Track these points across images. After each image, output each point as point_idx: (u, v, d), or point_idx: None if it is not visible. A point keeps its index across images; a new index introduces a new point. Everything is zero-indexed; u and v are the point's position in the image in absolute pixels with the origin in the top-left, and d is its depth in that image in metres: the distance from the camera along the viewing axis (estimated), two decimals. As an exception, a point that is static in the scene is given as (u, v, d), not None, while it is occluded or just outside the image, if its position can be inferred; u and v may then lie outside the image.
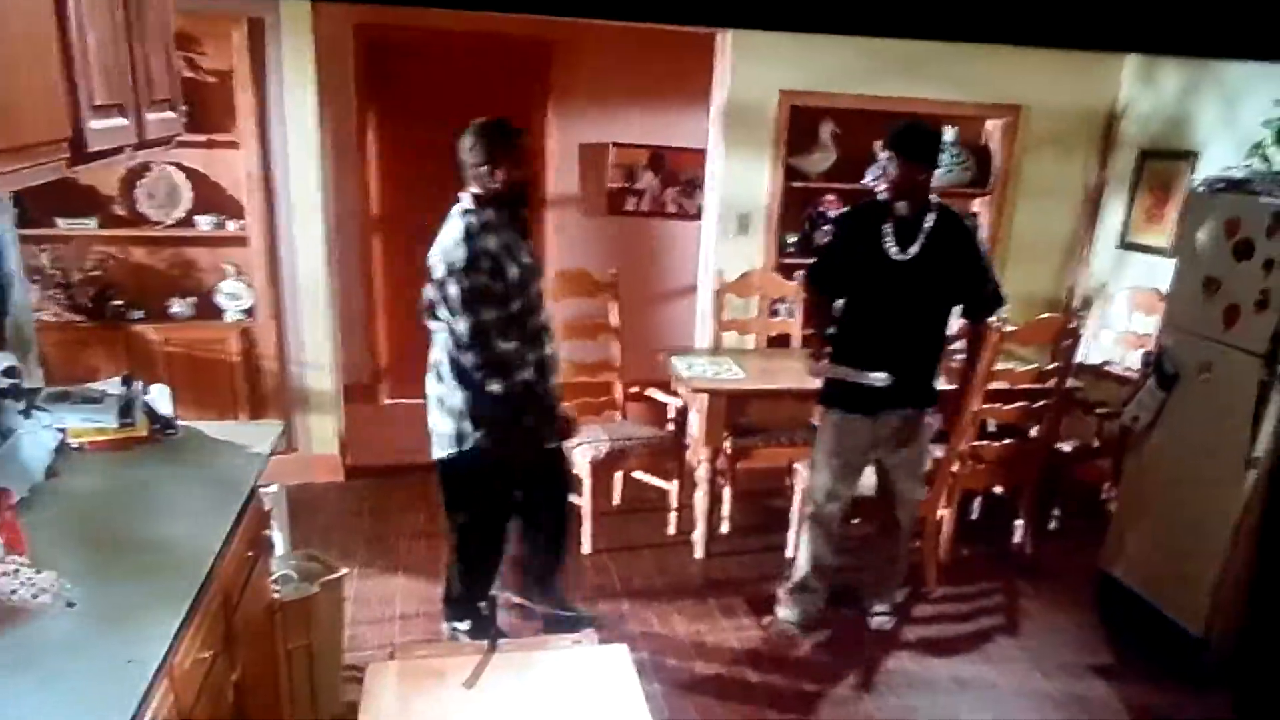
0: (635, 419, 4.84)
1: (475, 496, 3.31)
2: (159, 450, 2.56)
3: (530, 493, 3.45)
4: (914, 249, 3.41)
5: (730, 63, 4.90)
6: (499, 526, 3.43)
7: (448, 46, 5.68)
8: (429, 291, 3.08)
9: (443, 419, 3.21)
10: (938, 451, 3.96)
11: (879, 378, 3.48)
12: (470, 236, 2.96)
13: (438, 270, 2.99)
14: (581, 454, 4.23)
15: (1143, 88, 5.18)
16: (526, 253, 3.13)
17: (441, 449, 3.24)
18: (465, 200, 3.06)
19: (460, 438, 3.17)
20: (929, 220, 3.41)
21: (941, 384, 3.73)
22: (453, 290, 2.95)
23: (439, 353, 3.18)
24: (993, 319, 3.68)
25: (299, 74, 4.43)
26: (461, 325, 2.97)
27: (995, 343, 3.82)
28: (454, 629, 3.47)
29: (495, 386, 3.03)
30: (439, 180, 5.90)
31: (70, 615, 1.72)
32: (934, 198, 3.47)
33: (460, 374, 3.10)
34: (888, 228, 3.44)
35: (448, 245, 2.99)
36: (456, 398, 3.14)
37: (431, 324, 3.16)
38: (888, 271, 3.45)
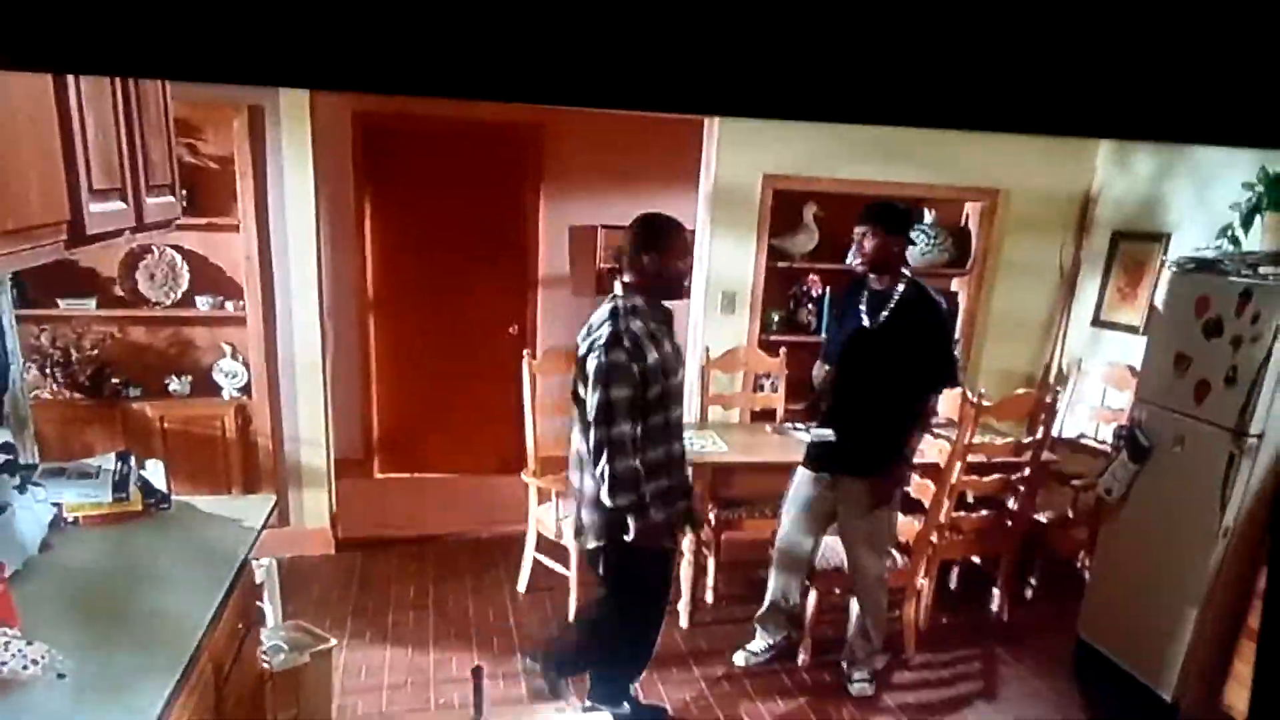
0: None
1: (635, 577, 3.29)
2: (152, 524, 2.62)
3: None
4: (881, 318, 3.60)
5: (716, 147, 5.04)
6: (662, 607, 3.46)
7: (443, 132, 5.85)
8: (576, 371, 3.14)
9: (586, 511, 3.20)
10: (916, 523, 4.03)
11: (819, 434, 3.72)
12: (615, 317, 3.02)
13: (581, 347, 3.08)
14: (567, 526, 4.27)
15: (1117, 172, 5.32)
16: (669, 341, 3.16)
17: (592, 539, 3.22)
18: (617, 286, 3.14)
19: (610, 526, 3.15)
20: (898, 292, 3.59)
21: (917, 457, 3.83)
22: (592, 365, 2.98)
23: (577, 439, 3.18)
24: (938, 395, 3.83)
25: (298, 159, 4.54)
26: (594, 402, 2.99)
27: (973, 417, 3.94)
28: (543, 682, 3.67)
29: (619, 466, 2.99)
30: (434, 261, 6.10)
31: (61, 687, 1.76)
32: (907, 273, 3.65)
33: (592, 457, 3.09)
34: (863, 298, 3.66)
35: (594, 324, 3.08)
36: (591, 485, 3.13)
37: (577, 407, 3.17)
38: (856, 338, 3.66)
